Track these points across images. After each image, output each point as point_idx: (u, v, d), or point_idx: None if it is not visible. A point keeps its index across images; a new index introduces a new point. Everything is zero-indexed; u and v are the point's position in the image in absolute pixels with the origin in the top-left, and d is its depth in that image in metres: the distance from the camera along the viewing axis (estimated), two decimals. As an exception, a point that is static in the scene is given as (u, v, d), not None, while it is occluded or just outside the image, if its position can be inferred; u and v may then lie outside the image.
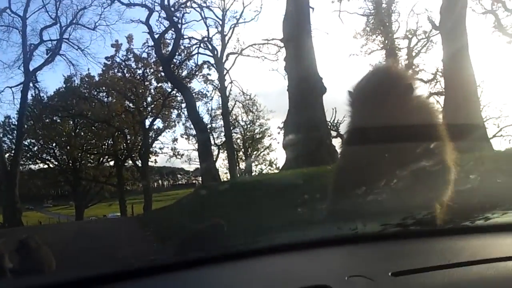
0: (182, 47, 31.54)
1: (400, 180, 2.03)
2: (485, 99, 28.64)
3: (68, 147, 38.25)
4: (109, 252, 7.46)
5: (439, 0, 16.26)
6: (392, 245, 1.63)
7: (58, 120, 38.18)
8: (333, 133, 17.89)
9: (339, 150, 2.60)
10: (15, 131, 32.41)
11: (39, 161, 40.41)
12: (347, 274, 1.23)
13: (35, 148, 39.66)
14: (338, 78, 47.77)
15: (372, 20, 30.14)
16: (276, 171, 33.27)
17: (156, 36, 27.42)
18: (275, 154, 41.55)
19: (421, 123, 2.19)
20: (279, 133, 31.87)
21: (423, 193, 2.06)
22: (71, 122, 39.20)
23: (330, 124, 18.44)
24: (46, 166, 41.15)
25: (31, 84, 29.91)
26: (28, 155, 38.31)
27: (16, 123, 32.56)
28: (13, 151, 31.04)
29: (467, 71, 15.14)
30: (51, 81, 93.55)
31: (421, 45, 29.78)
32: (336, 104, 20.71)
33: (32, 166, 40.64)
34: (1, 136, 33.08)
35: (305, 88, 16.77)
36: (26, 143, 36.42)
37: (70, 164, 39.91)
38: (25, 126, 32.22)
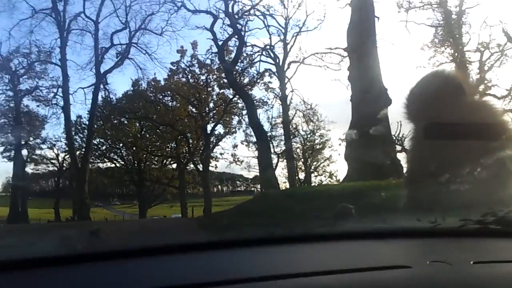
0: (245, 55, 32.10)
1: (477, 176, 2.12)
2: None
3: (134, 148, 39.89)
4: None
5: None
6: (473, 240, 1.64)
7: (125, 122, 39.90)
8: (398, 147, 17.31)
9: (404, 165, 2.70)
10: (86, 130, 34.15)
11: (107, 160, 42.58)
12: (428, 260, 1.29)
13: (104, 148, 41.82)
14: (404, 91, 46.31)
15: (441, 31, 29.13)
16: (335, 183, 32.72)
17: (220, 43, 28.01)
18: (335, 166, 40.82)
19: (480, 121, 2.26)
20: (340, 144, 31.49)
21: (501, 190, 2.11)
22: (137, 124, 40.72)
23: (394, 137, 17.90)
24: (113, 165, 43.38)
25: (101, 86, 31.67)
26: (97, 153, 40.44)
27: (87, 122, 34.28)
28: (83, 149, 32.89)
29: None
30: (120, 83, 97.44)
31: (495, 58, 28.24)
32: (401, 118, 20.14)
33: (100, 165, 42.87)
34: (73, 134, 34.92)
35: (369, 99, 16.49)
36: (95, 142, 38.55)
37: (135, 165, 41.60)
38: (95, 126, 33.98)
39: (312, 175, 40.46)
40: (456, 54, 28.40)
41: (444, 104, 2.30)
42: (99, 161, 41.78)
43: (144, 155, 40.85)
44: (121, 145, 41.35)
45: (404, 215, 2.33)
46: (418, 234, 1.69)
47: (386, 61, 49.66)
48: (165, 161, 42.94)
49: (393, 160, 14.82)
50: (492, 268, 1.25)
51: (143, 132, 41.30)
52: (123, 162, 42.62)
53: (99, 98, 32.93)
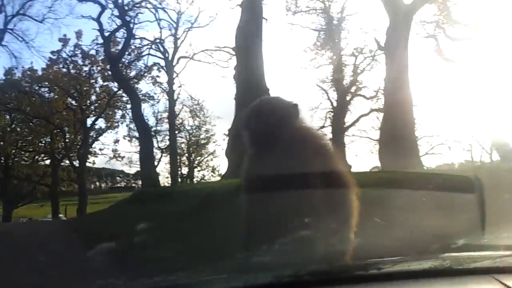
0: (133, 47, 30.96)
1: (300, 229, 2.01)
2: (420, 118, 30.22)
3: (2, 143, 36.14)
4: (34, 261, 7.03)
5: (386, 21, 16.84)
6: None
7: (-7, 114, 36.14)
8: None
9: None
10: None
11: (-32, 155, 38.07)
12: None
13: (-36, 141, 37.35)
14: (287, 90, 48.46)
15: (323, 35, 30.92)
16: (218, 178, 33.05)
17: (107, 34, 26.74)
18: (218, 161, 41.31)
19: (310, 153, 2.17)
20: (224, 139, 31.83)
21: (325, 240, 2.05)
22: (8, 117, 37.08)
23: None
24: (-25, 161, 38.83)
25: (-33, 73, 28.17)
26: (-44, 147, 36.04)
27: None
28: None
29: (405, 90, 15.80)
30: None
31: (367, 63, 30.86)
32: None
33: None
34: None
35: (250, 97, 16.60)
36: (-44, 135, 34.35)
37: (2, 161, 37.79)
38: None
39: (196, 169, 40.55)
40: (334, 57, 30.37)
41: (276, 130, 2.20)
42: (-41, 155, 37.28)
43: (13, 150, 37.23)
44: (-14, 138, 37.20)
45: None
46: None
47: (271, 61, 51.59)
48: (37, 157, 39.65)
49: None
50: None
51: (13, 125, 37.62)
52: (-13, 158, 38.40)
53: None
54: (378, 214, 4.39)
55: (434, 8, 24.53)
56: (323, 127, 29.35)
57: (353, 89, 30.95)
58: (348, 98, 30.89)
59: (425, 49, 35.94)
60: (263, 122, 2.18)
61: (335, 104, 30.82)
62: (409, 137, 15.21)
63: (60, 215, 35.14)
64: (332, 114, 31.11)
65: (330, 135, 27.84)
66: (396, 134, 14.29)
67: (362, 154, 32.93)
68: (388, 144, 14.81)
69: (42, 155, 39.21)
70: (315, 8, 30.32)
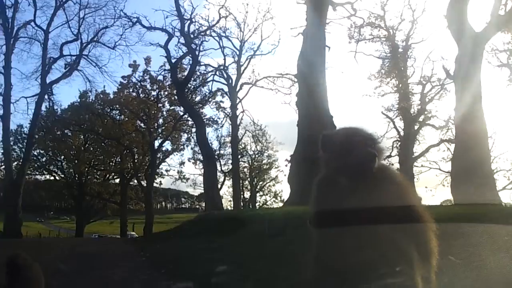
0: (198, 73, 32.08)
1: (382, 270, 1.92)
2: (497, 151, 28.45)
3: (76, 161, 38.38)
4: (101, 275, 7.37)
5: (456, 49, 16.31)
6: None
7: (69, 134, 38.50)
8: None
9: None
10: (26, 140, 32.65)
11: (46, 172, 40.80)
12: None
13: (44, 159, 40.13)
14: (350, 118, 47.83)
15: (387, 63, 30.41)
16: (280, 203, 32.93)
17: (173, 61, 27.83)
18: (280, 186, 41.34)
19: (393, 199, 2.08)
20: (286, 165, 31.78)
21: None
22: (82, 137, 39.51)
23: (338, 163, 18.24)
24: (52, 178, 41.50)
25: (46, 96, 30.34)
26: (36, 165, 38.66)
27: (27, 132, 32.79)
28: (21, 160, 31.25)
29: (479, 121, 15.04)
30: (66, 95, 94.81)
31: (435, 92, 29.88)
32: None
33: (39, 177, 41.00)
34: (12, 144, 33.22)
35: (314, 124, 16.72)
36: (35, 153, 36.91)
37: (76, 178, 40.04)
38: (36, 136, 32.50)
39: (258, 194, 40.70)
40: (400, 85, 29.67)
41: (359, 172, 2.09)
42: (37, 173, 40.12)
43: (86, 169, 39.38)
44: (62, 157, 39.71)
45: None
46: None
47: (335, 88, 51.28)
48: (108, 175, 41.63)
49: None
50: None
51: (87, 145, 40.00)
52: (63, 175, 40.86)
53: (43, 108, 31.67)
54: (453, 252, 3.98)
55: (507, 36, 23.52)
56: (390, 156, 28.53)
57: (421, 118, 30.01)
58: (416, 127, 30.00)
59: (499, 79, 34.36)
60: (354, 140, 2.10)
61: (402, 133, 30.03)
62: (484, 170, 14.38)
63: (133, 233, 36.26)
64: (399, 143, 30.27)
65: (397, 165, 27.08)
66: (470, 167, 13.59)
67: (432, 186, 31.43)
68: (461, 176, 14.09)
69: (113, 174, 41.14)
70: (379, 36, 30.18)
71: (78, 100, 37.49)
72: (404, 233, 2.01)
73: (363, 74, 52.18)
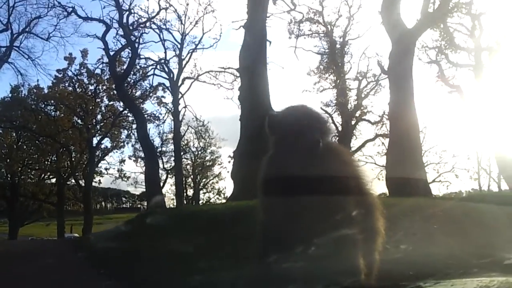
0: (138, 67, 31.29)
1: (324, 240, 1.92)
2: (427, 144, 30.13)
3: (8, 160, 36.27)
4: (38, 277, 7.09)
5: (389, 45, 17.00)
6: None
7: (0, 131, 36.37)
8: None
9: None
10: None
11: (-25, 173, 38.12)
12: None
13: (-29, 158, 37.47)
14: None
15: (326, 59, 31.20)
16: (223, 200, 32.96)
17: (112, 53, 26.98)
18: (224, 183, 41.32)
19: (338, 172, 2.12)
20: (229, 161, 31.90)
21: (349, 253, 1.97)
22: (14, 134, 37.41)
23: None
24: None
25: (-27, 91, 28.45)
26: (-38, 165, 36.18)
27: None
28: None
29: (411, 116, 15.79)
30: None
31: (370, 87, 31.04)
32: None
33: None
34: None
35: (256, 119, 16.82)
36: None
37: (9, 179, 37.76)
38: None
39: (201, 191, 40.48)
40: (337, 81, 30.54)
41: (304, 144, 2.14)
42: (-35, 173, 37.37)
43: (19, 168, 37.29)
44: (-7, 156, 37.33)
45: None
46: None
47: (275, 83, 52.00)
48: (43, 175, 39.72)
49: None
50: None
51: (19, 143, 37.90)
52: (-6, 175, 38.45)
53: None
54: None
55: (436, 34, 24.83)
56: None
57: (357, 113, 31.01)
58: (353, 122, 30.92)
59: (429, 75, 36.22)
60: (301, 124, 2.17)
61: (340, 128, 30.80)
62: (416, 163, 15.14)
63: (74, 234, 34.84)
64: (337, 138, 31.02)
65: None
66: (403, 160, 14.27)
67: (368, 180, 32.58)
68: (395, 170, 14.76)
69: (48, 173, 39.28)
70: (317, 32, 30.75)
71: (10, 95, 35.34)
72: (349, 208, 2.05)
73: (303, 70, 53.26)
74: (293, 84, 75.91)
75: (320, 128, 2.21)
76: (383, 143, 29.70)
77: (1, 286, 6.34)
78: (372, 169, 31.83)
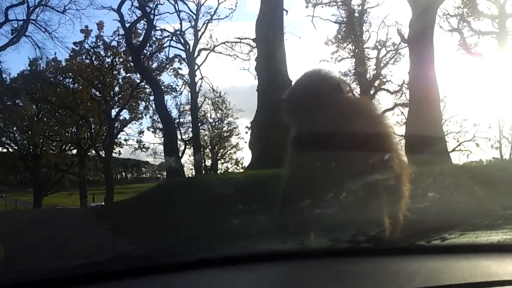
0: (154, 39, 31.30)
1: (350, 193, 1.95)
2: (447, 113, 29.71)
3: (30, 132, 36.91)
4: (63, 244, 7.36)
5: (409, 14, 16.65)
6: (339, 263, 1.51)
7: (21, 104, 36.76)
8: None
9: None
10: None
11: (-2, 145, 39.00)
12: None
13: (-5, 132, 38.30)
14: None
15: (344, 28, 30.67)
16: (241, 170, 33.27)
17: (127, 25, 27.01)
18: (241, 153, 41.60)
19: (364, 129, 2.10)
20: (246, 132, 32.03)
21: (374, 207, 1.98)
22: (34, 107, 37.82)
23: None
24: (5, 150, 39.79)
25: (-7, 64, 28.81)
26: (-14, 138, 37.01)
27: (-25, 104, 31.32)
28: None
29: (431, 85, 15.59)
30: (15, 62, 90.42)
31: (390, 56, 30.51)
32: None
33: (-9, 150, 39.23)
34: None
35: (273, 89, 16.84)
36: (-16, 125, 35.22)
37: (31, 150, 38.53)
38: (-15, 107, 31.06)
39: (219, 162, 40.90)
40: (356, 50, 30.08)
41: (324, 107, 2.10)
42: (-11, 146, 38.28)
43: (41, 140, 37.98)
44: (15, 128, 38.03)
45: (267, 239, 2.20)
46: (280, 257, 1.55)
47: (292, 53, 51.32)
48: (64, 146, 40.32)
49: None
50: None
51: (40, 116, 38.40)
52: (16, 147, 39.29)
53: (-9, 77, 29.95)
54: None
55: (458, 0, 24.17)
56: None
57: (376, 83, 30.57)
58: (371, 92, 30.35)
59: (450, 43, 35.41)
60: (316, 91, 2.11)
61: (358, 98, 30.44)
62: (436, 133, 15.03)
63: (98, 203, 35.46)
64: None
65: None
66: (423, 129, 14.16)
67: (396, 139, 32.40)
68: (415, 139, 14.69)
69: (69, 144, 39.85)
70: (335, 1, 30.12)
71: (28, 68, 35.74)
72: (377, 169, 2.04)
73: (321, 39, 52.48)
74: (310, 54, 74.80)
75: (331, 96, 2.15)
76: (402, 112, 29.37)
77: (36, 251, 6.61)
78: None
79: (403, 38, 21.68)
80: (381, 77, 30.38)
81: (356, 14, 30.23)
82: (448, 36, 28.29)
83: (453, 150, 29.30)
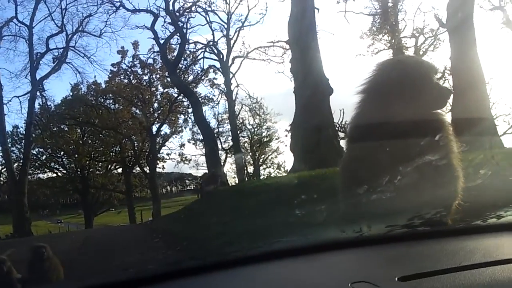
0: (188, 52, 31.78)
1: (407, 178, 1.95)
2: (495, 96, 28.37)
3: (76, 155, 38.27)
4: (117, 260, 7.40)
5: (446, -3, 16.00)
6: (400, 247, 1.54)
7: (66, 128, 38.25)
8: (341, 135, 17.60)
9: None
10: (23, 141, 32.54)
11: (48, 170, 40.75)
12: (350, 281, 1.15)
13: (43, 157, 40.00)
14: (345, 79, 47.53)
15: (378, 19, 29.95)
16: (284, 174, 33.04)
17: (162, 42, 27.52)
18: (283, 157, 41.48)
19: (427, 118, 2.12)
20: (286, 135, 31.82)
21: (431, 191, 1.99)
22: (79, 130, 39.30)
23: (338, 125, 18.18)
24: (54, 174, 41.47)
25: (38, 93, 29.99)
26: (36, 164, 38.60)
27: (24, 132, 32.66)
28: (21, 161, 31.16)
29: (476, 68, 14.93)
30: (58, 89, 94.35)
31: (429, 43, 29.62)
32: (344, 105, 20.45)
33: (41, 175, 40.97)
34: (10, 146, 33.09)
35: (311, 90, 16.61)
36: (34, 152, 36.75)
37: (79, 172, 40.00)
38: (33, 135, 32.36)
39: (261, 167, 40.86)
40: (393, 41, 29.29)
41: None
42: (39, 171, 40.06)
43: (87, 162, 39.35)
44: (62, 153, 39.59)
45: (328, 228, 2.17)
46: (341, 246, 1.57)
47: (327, 51, 50.79)
48: (109, 166, 41.62)
49: (336, 149, 14.97)
50: (417, 285, 1.14)
51: (85, 138, 39.86)
52: (65, 171, 40.87)
53: (36, 105, 31.28)
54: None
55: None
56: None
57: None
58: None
59: (493, 23, 33.96)
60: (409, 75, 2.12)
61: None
62: (484, 116, 14.33)
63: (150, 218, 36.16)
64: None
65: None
66: (469, 115, 13.53)
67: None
68: (462, 125, 14.03)
69: (114, 163, 40.98)
70: (368, -7, 29.50)
71: (71, 93, 37.18)
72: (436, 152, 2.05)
73: (355, 34, 51.70)
74: (345, 50, 73.85)
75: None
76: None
77: (92, 268, 6.69)
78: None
79: (441, 22, 20.92)
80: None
81: (390, 4, 29.46)
82: (490, 15, 27.04)
83: (504, 133, 27.88)
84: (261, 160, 41.08)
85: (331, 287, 1.15)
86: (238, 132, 35.92)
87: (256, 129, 39.35)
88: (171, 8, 26.09)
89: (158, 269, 1.54)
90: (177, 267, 1.53)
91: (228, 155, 36.97)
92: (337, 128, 17.84)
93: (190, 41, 30.61)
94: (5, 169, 32.54)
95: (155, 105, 37.34)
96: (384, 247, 1.54)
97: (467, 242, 1.50)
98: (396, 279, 1.14)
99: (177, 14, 27.18)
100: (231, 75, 33.05)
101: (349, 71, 52.11)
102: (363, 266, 1.38)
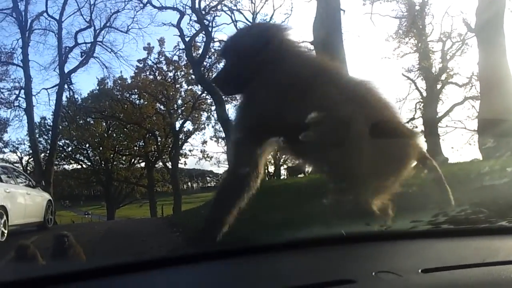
0: (213, 50, 31.87)
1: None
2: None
3: (101, 148, 39.04)
4: (138, 249, 7.57)
5: (475, 1, 15.74)
6: (424, 243, 1.55)
7: (92, 122, 39.05)
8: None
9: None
10: (50, 132, 33.29)
11: (73, 162, 41.64)
12: (374, 270, 1.18)
13: (69, 149, 40.94)
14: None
15: (404, 22, 29.59)
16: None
17: (187, 39, 27.72)
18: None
19: None
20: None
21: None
22: (104, 124, 40.08)
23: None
24: (79, 166, 42.41)
25: (66, 86, 30.55)
26: (62, 155, 39.52)
27: (51, 124, 33.40)
28: (48, 151, 31.91)
29: (505, 74, 14.61)
30: (85, 83, 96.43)
31: (456, 48, 28.97)
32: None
33: (66, 166, 41.91)
34: (37, 136, 33.91)
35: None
36: (60, 143, 37.56)
37: (103, 165, 40.76)
38: (60, 127, 33.03)
39: (282, 167, 40.77)
40: (419, 44, 28.86)
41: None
42: (64, 162, 41.01)
43: (112, 155, 40.03)
44: (87, 145, 40.48)
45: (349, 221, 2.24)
46: (366, 239, 1.61)
47: (352, 53, 50.39)
48: (133, 160, 42.27)
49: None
50: (440, 278, 1.18)
51: (110, 132, 40.57)
52: (89, 163, 41.75)
53: (64, 98, 31.84)
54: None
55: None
56: (413, 118, 28.14)
57: (443, 76, 29.05)
58: (438, 86, 29.05)
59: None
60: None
61: (424, 94, 29.23)
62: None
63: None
64: (422, 104, 29.56)
65: (421, 127, 26.62)
66: (498, 122, 13.27)
67: (458, 146, 30.76)
68: (489, 132, 13.78)
69: (138, 158, 41.59)
70: (394, -5, 29.14)
71: (97, 87, 37.92)
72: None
73: (381, 36, 51.16)
74: (370, 52, 73.00)
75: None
76: (473, 106, 27.75)
77: (113, 255, 6.86)
78: (462, 134, 29.94)
79: (470, 27, 20.57)
80: (448, 70, 28.88)
81: (417, 7, 29.05)
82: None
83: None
84: (281, 160, 41.05)
85: (356, 274, 1.17)
86: (260, 131, 35.82)
87: (278, 129, 39.22)
88: (197, 6, 26.26)
89: (167, 255, 1.62)
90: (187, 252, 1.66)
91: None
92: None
93: (215, 40, 30.78)
94: (32, 158, 33.38)
95: (179, 101, 37.69)
96: (408, 242, 1.57)
97: (492, 241, 1.51)
98: (420, 271, 1.17)
99: (203, 12, 27.35)
100: (255, 74, 33.04)
101: (374, 74, 51.59)
102: (387, 258, 1.42)
